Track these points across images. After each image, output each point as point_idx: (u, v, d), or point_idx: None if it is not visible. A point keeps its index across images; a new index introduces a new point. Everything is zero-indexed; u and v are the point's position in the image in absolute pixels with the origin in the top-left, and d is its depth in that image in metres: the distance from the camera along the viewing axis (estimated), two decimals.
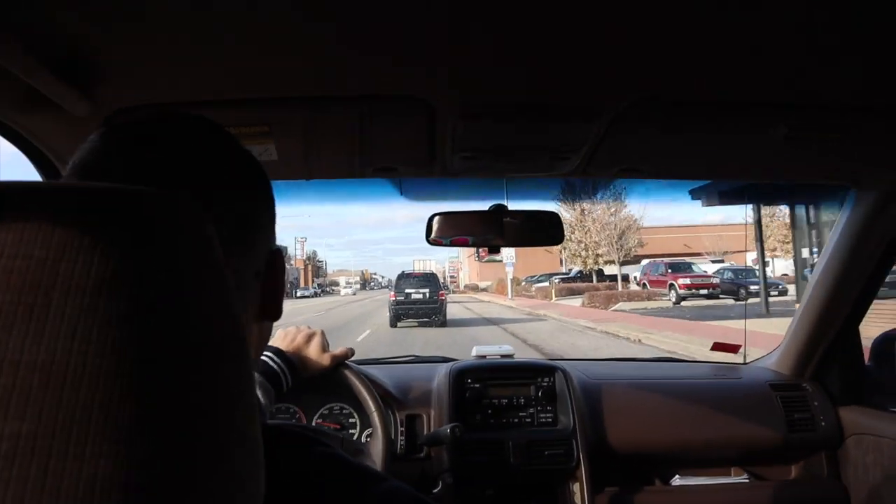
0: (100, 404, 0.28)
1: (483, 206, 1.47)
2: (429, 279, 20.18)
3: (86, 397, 0.28)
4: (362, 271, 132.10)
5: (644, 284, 28.88)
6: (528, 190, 1.67)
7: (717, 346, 2.25)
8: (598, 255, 36.91)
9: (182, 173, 0.50)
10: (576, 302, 27.12)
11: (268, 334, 0.61)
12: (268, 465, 0.38)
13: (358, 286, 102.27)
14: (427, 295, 19.19)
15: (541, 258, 54.47)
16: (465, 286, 73.21)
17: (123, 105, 1.00)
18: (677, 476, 1.85)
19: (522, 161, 1.30)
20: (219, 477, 0.32)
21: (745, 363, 2.21)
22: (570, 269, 45.08)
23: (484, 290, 59.54)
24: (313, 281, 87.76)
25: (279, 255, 0.58)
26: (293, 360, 1.39)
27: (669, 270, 26.57)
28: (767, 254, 31.55)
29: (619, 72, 0.99)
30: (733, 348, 2.23)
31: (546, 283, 37.68)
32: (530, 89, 1.05)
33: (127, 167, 0.50)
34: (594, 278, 38.22)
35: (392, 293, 19.80)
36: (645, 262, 31.79)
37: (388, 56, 0.92)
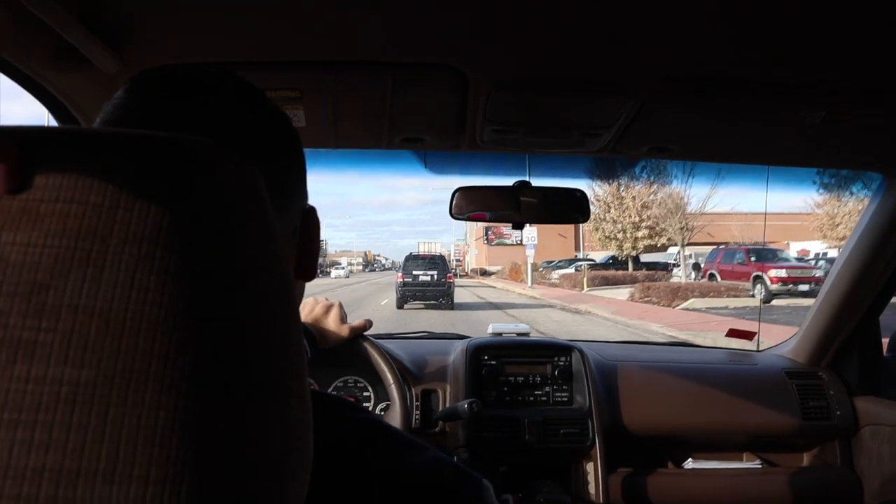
0: (158, 354, 0.28)
1: (507, 182, 1.46)
2: (437, 261, 20.13)
3: (144, 346, 0.28)
4: (365, 252, 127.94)
5: (711, 275, 22.34)
6: (552, 167, 1.66)
7: (733, 333, 2.24)
8: (636, 239, 31.76)
9: (212, 131, 0.49)
10: (618, 294, 21.29)
11: (301, 293, 0.61)
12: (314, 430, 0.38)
13: (359, 267, 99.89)
14: (435, 277, 19.15)
15: (554, 242, 51.56)
16: (472, 270, 68.64)
17: (153, 64, 0.99)
18: (690, 459, 1.86)
19: (553, 136, 1.28)
20: (273, 432, 0.32)
21: (759, 350, 2.20)
22: (587, 254, 42.32)
23: (493, 274, 56.36)
24: None
25: (313, 213, 0.57)
26: (312, 332, 1.39)
27: (753, 258, 19.95)
28: (835, 243, 27.17)
29: (655, 49, 0.97)
30: (749, 335, 2.22)
31: (570, 270, 33.83)
32: (565, 63, 1.03)
33: (155, 124, 0.48)
34: (630, 265, 33.19)
35: (399, 275, 19.77)
36: (698, 249, 27.33)
37: (423, 23, 0.91)
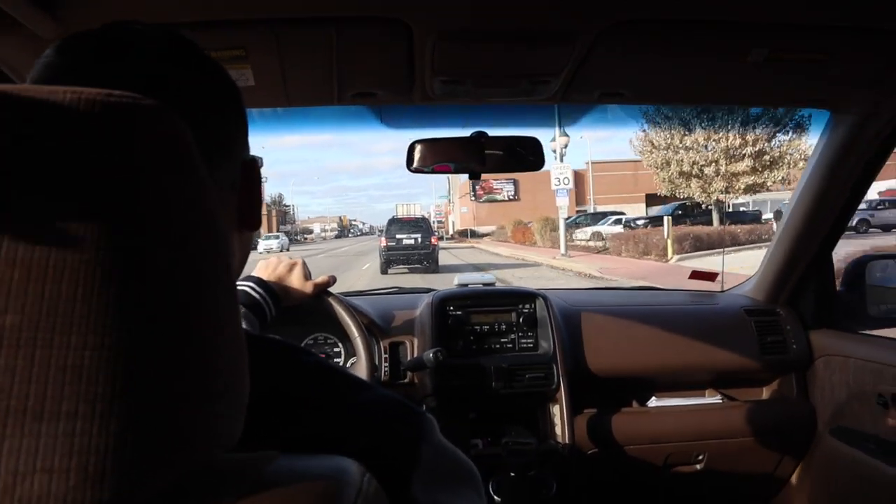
0: (82, 297, 0.29)
1: (465, 133, 1.46)
2: (420, 224, 19.95)
3: (68, 290, 0.29)
4: (340, 217, 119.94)
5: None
6: (510, 116, 1.66)
7: (695, 275, 2.30)
8: (734, 175, 22.30)
9: (148, 86, 0.47)
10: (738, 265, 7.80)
11: (248, 244, 0.61)
12: (254, 372, 0.39)
13: (332, 234, 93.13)
14: (419, 240, 19.00)
15: (550, 195, 43.58)
16: (457, 233, 58.83)
17: (90, 25, 0.97)
18: (654, 398, 1.92)
19: (502, 86, 1.29)
20: (203, 370, 0.33)
21: (721, 291, 2.26)
22: (595, 208, 36.73)
23: (484, 236, 47.86)
24: (278, 228, 72.32)
25: (254, 164, 0.58)
26: (275, 290, 1.40)
27: None
28: None
29: None
30: (711, 276, 2.28)
31: (615, 228, 25.29)
32: (508, 11, 1.03)
33: (84, 82, 0.48)
34: (715, 217, 23.98)
35: (382, 239, 19.56)
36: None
37: None
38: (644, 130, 24.94)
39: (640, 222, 26.60)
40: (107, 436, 0.29)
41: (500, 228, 43.57)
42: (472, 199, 50.92)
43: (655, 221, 24.03)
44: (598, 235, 25.82)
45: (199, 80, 0.53)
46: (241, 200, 0.56)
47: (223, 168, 0.53)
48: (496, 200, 50.07)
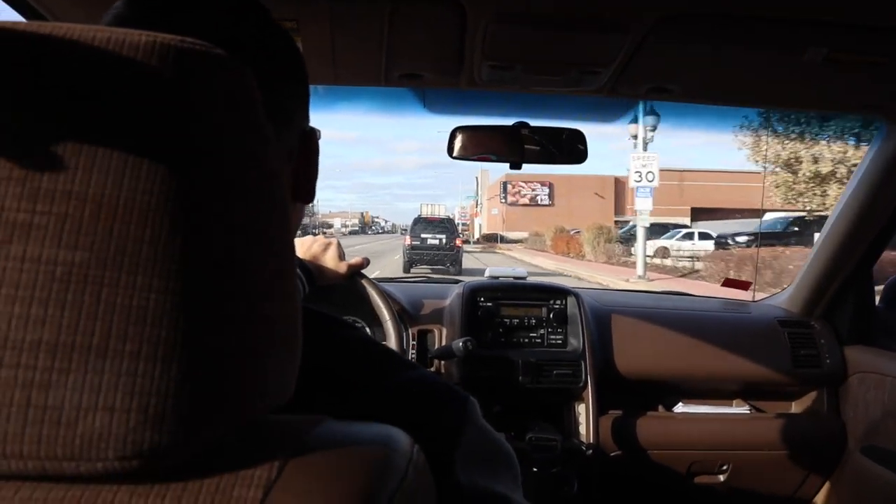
0: (149, 239, 0.29)
1: (507, 122, 1.46)
2: (446, 225, 19.94)
3: (136, 231, 0.29)
4: (362, 213, 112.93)
5: None
6: (554, 107, 1.65)
7: (728, 283, 2.26)
8: None
9: (217, 39, 0.48)
10: None
11: (301, 215, 0.61)
12: (303, 340, 0.39)
13: (354, 229, 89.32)
14: (444, 241, 18.99)
15: (588, 203, 43.22)
16: (482, 237, 52.02)
17: None
18: (680, 404, 1.89)
19: (551, 74, 1.27)
20: (261, 325, 0.33)
21: (754, 300, 2.22)
22: (628, 218, 30.48)
23: (514, 243, 41.30)
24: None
25: (313, 135, 0.57)
26: (310, 268, 1.40)
27: None
28: None
29: None
30: (744, 285, 2.24)
31: (683, 244, 21.58)
32: None
33: (164, 29, 0.48)
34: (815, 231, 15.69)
35: (407, 237, 19.57)
36: None
37: None
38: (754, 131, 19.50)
39: (741, 239, 21.18)
40: (168, 380, 0.29)
41: (535, 235, 37.54)
42: (503, 201, 47.03)
43: (765, 238, 18.49)
44: (663, 251, 22.10)
45: (267, 43, 0.53)
46: (296, 170, 0.55)
47: (283, 135, 0.53)
48: (541, 206, 46.19)
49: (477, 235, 56.60)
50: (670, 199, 39.05)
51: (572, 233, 30.96)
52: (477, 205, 64.33)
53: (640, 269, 15.87)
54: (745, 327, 1.94)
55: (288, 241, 0.37)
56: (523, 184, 47.32)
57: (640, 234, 16.27)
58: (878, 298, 1.94)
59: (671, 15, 1.05)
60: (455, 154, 1.46)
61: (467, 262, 20.82)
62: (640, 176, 15.54)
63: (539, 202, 47.58)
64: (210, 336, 0.31)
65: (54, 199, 0.29)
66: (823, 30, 1.08)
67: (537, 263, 22.31)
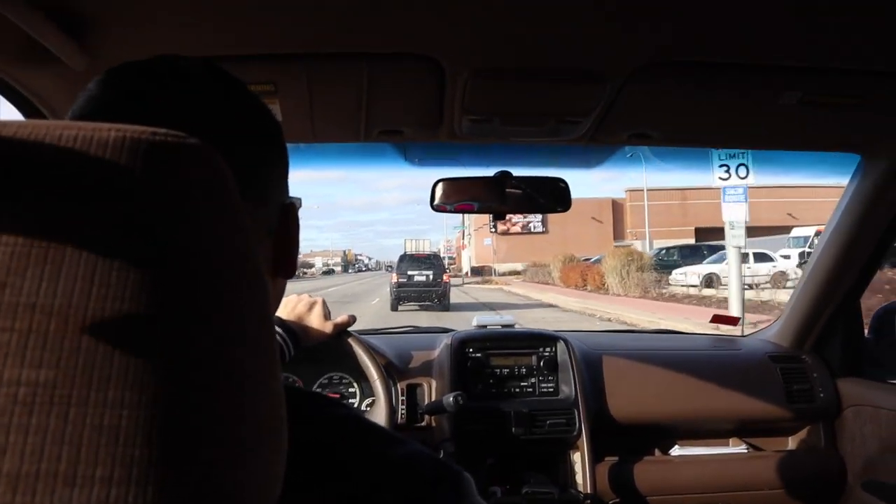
0: (121, 351, 0.27)
1: (488, 172, 1.45)
2: (432, 261, 19.91)
3: (106, 343, 0.27)
4: (344, 251, 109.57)
5: None
6: (531, 157, 1.65)
7: (717, 319, 2.25)
8: None
9: (191, 122, 0.46)
10: None
11: (282, 291, 0.59)
12: (287, 423, 0.37)
13: (338, 268, 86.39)
14: (431, 277, 18.92)
15: (586, 229, 40.81)
16: (472, 270, 49.09)
17: (123, 59, 0.97)
18: (676, 446, 1.86)
19: (530, 125, 1.28)
20: (242, 426, 0.31)
21: (743, 335, 2.22)
22: (631, 243, 31.10)
23: (510, 276, 38.57)
24: None
25: (293, 208, 0.55)
26: (295, 329, 1.37)
27: None
28: None
29: (630, 34, 0.97)
30: (733, 321, 2.24)
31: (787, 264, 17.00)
32: (541, 50, 1.03)
33: (127, 117, 0.47)
34: None
35: (394, 275, 19.50)
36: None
37: (397, 12, 0.89)
38: None
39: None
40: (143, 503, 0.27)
41: (535, 266, 33.75)
42: (493, 230, 40.89)
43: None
44: (709, 279, 18.67)
45: (239, 117, 0.51)
46: (277, 245, 0.54)
47: (261, 211, 0.51)
48: (534, 233, 43.75)
49: (466, 269, 52.45)
50: (672, 220, 38.37)
51: (588, 261, 26.92)
52: (464, 236, 60.10)
53: (735, 308, 10.43)
54: (736, 364, 1.92)
55: (269, 332, 0.35)
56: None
57: (732, 257, 10.98)
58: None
59: (648, 64, 1.05)
60: (437, 204, 1.45)
61: (460, 298, 20.51)
62: (727, 171, 10.10)
63: (532, 230, 45.29)
64: (189, 449, 0.28)
65: (17, 314, 0.27)
66: (797, 74, 1.10)
67: (554, 301, 18.94)
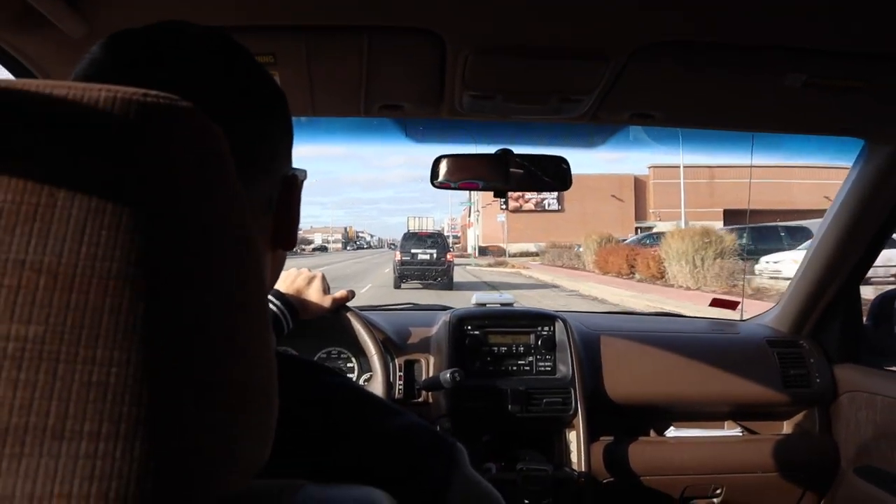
0: (109, 309, 0.27)
1: (490, 149, 1.45)
2: (436, 240, 19.80)
3: (94, 301, 0.27)
4: (345, 228, 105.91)
5: None
6: (532, 135, 1.64)
7: (716, 302, 2.25)
8: None
9: (191, 89, 0.46)
10: None
11: (281, 263, 0.59)
12: (280, 393, 0.37)
13: (337, 245, 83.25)
14: (434, 256, 18.85)
15: (606, 207, 36.98)
16: (480, 249, 42.85)
17: (120, 28, 0.96)
18: (672, 427, 1.87)
19: (532, 103, 1.27)
20: (230, 388, 0.31)
21: (742, 320, 2.22)
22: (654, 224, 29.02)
23: (522, 257, 33.44)
24: None
25: (294, 180, 0.55)
26: (293, 303, 1.38)
27: None
28: None
29: (634, 12, 0.96)
30: (732, 305, 2.23)
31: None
32: (543, 27, 1.02)
33: (130, 81, 0.46)
34: None
35: (397, 253, 19.48)
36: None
37: None
38: None
39: None
40: (130, 460, 0.27)
41: (554, 248, 29.17)
42: (503, 206, 40.34)
43: None
44: None
45: (245, 87, 0.51)
46: (277, 217, 0.53)
47: (261, 182, 0.50)
48: (550, 211, 39.50)
49: (472, 248, 46.53)
50: (699, 200, 33.55)
51: (637, 243, 22.37)
52: (471, 213, 53.25)
53: None
54: (734, 348, 1.93)
55: (261, 300, 0.35)
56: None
57: None
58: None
59: (651, 43, 1.04)
60: (438, 181, 1.45)
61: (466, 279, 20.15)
62: None
63: (547, 207, 41.16)
64: (176, 408, 0.29)
65: (6, 271, 0.27)
66: (802, 56, 1.09)
67: (598, 293, 14.84)
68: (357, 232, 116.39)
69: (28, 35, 0.96)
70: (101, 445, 0.27)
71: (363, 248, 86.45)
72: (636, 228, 32.72)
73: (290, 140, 0.56)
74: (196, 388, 0.30)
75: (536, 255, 33.63)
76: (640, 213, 37.48)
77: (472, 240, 49.93)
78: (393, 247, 20.94)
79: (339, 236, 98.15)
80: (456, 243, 55.88)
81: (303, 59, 1.10)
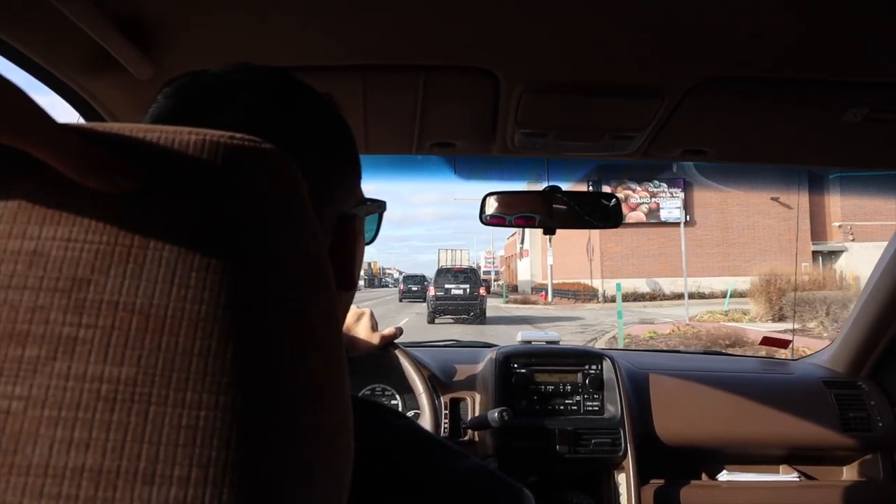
0: (199, 351, 0.28)
1: (538, 186, 1.44)
2: (469, 275, 20.03)
3: (185, 343, 0.27)
4: (369, 264, 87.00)
5: None
6: (570, 170, 1.64)
7: (767, 341, 2.19)
8: None
9: (260, 129, 0.47)
10: None
11: (347, 305, 0.58)
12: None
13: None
14: (467, 291, 19.09)
15: (754, 217, 22.79)
16: (532, 289, 33.22)
17: (187, 69, 0.99)
18: (724, 471, 1.81)
19: (584, 140, 1.26)
20: (314, 432, 0.31)
21: (794, 359, 2.15)
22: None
23: (636, 299, 22.46)
24: None
25: (353, 219, 0.54)
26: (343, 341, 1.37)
27: None
28: None
29: (689, 49, 0.95)
30: (783, 343, 2.17)
31: None
32: (598, 65, 1.02)
33: (200, 123, 0.47)
34: None
35: (431, 288, 19.83)
36: None
37: (454, 25, 0.89)
38: None
39: None
40: None
41: (767, 283, 16.45)
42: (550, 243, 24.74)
43: None
44: None
45: (311, 125, 0.51)
46: (339, 256, 0.52)
47: (325, 220, 0.50)
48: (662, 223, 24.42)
49: (522, 285, 35.30)
50: (889, 210, 20.05)
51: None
52: (523, 240, 40.30)
53: None
54: (788, 388, 1.86)
55: (338, 340, 0.35)
56: (635, 186, 25.04)
57: None
58: None
59: (706, 78, 1.03)
60: (487, 217, 1.45)
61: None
62: None
63: (664, 219, 24.78)
64: (263, 453, 0.28)
65: (100, 311, 0.27)
66: (863, 90, 1.06)
67: None
68: (384, 268, 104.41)
69: (98, 77, 1.00)
70: (190, 491, 0.27)
71: (383, 287, 73.00)
72: (813, 254, 20.86)
73: (356, 178, 0.56)
74: (280, 431, 0.29)
75: (651, 297, 21.79)
76: (818, 235, 22.54)
77: (526, 273, 38.01)
78: (396, 283, 21.27)
79: (362, 273, 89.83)
80: (495, 279, 49.61)
81: (358, 97, 1.11)
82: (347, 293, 0.57)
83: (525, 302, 27.08)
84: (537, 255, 35.69)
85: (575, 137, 1.26)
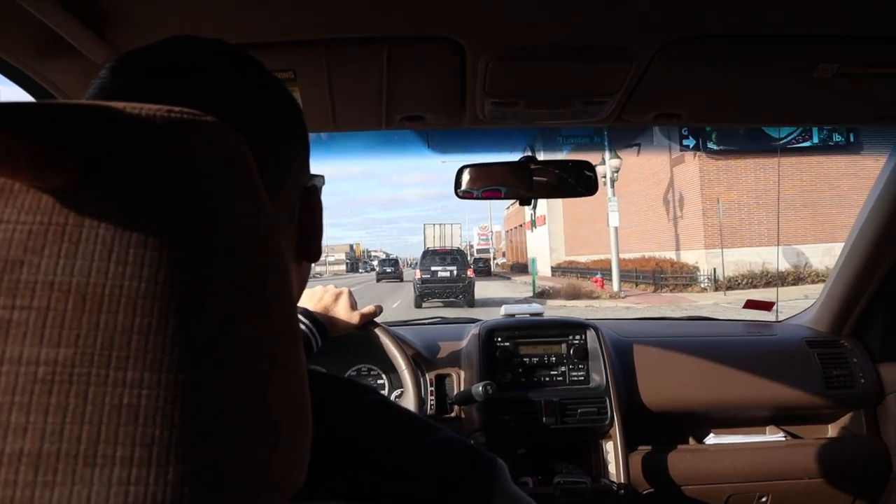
0: (139, 329, 0.27)
1: (513, 157, 1.43)
2: (455, 256, 19.72)
3: (124, 321, 0.27)
4: (351, 245, 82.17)
5: None
6: (552, 140, 1.62)
7: (750, 304, 2.20)
8: None
9: (207, 102, 0.46)
10: None
11: (306, 275, 0.58)
12: (315, 412, 0.36)
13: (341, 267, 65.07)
14: (454, 273, 18.76)
15: (595, 225, 21.42)
16: (553, 269, 26.95)
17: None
18: (711, 434, 1.83)
19: (555, 107, 1.25)
20: (263, 407, 0.30)
21: (778, 321, 2.16)
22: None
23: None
24: None
25: (314, 191, 0.54)
26: (321, 320, 1.36)
27: None
28: None
29: (658, 10, 0.94)
30: (767, 305, 2.18)
31: None
32: (564, 30, 1.00)
33: (145, 97, 0.45)
34: None
35: (417, 271, 19.41)
36: None
37: None
38: None
39: None
40: (164, 485, 0.26)
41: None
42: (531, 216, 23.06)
43: None
44: None
45: (260, 98, 0.50)
46: (300, 228, 0.53)
47: (282, 194, 0.50)
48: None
49: (540, 266, 25.98)
50: None
51: None
52: (535, 206, 28.20)
53: None
54: (772, 349, 1.87)
55: (290, 314, 0.34)
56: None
57: None
58: None
59: (675, 39, 1.02)
60: (462, 190, 1.43)
61: None
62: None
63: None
64: (209, 430, 0.28)
65: (35, 293, 0.26)
66: (833, 45, 1.05)
67: None
68: (369, 251, 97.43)
69: (53, 62, 0.97)
70: (133, 471, 0.26)
71: (366, 272, 66.01)
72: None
73: (307, 151, 0.55)
74: (228, 408, 0.28)
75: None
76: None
77: (534, 249, 29.44)
78: (415, 266, 20.88)
79: (343, 255, 75.37)
80: (491, 256, 43.99)
81: (323, 74, 1.09)
82: (308, 265, 0.57)
83: (575, 295, 17.83)
84: (558, 224, 27.10)
85: (546, 105, 1.24)
